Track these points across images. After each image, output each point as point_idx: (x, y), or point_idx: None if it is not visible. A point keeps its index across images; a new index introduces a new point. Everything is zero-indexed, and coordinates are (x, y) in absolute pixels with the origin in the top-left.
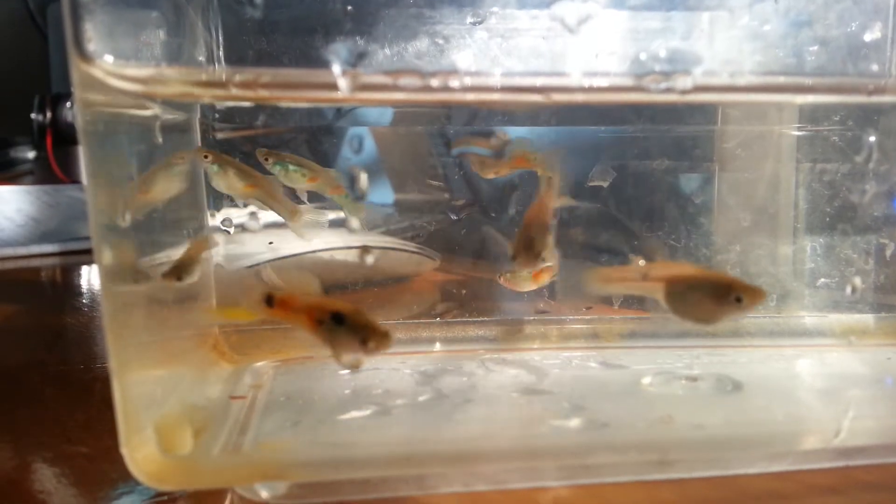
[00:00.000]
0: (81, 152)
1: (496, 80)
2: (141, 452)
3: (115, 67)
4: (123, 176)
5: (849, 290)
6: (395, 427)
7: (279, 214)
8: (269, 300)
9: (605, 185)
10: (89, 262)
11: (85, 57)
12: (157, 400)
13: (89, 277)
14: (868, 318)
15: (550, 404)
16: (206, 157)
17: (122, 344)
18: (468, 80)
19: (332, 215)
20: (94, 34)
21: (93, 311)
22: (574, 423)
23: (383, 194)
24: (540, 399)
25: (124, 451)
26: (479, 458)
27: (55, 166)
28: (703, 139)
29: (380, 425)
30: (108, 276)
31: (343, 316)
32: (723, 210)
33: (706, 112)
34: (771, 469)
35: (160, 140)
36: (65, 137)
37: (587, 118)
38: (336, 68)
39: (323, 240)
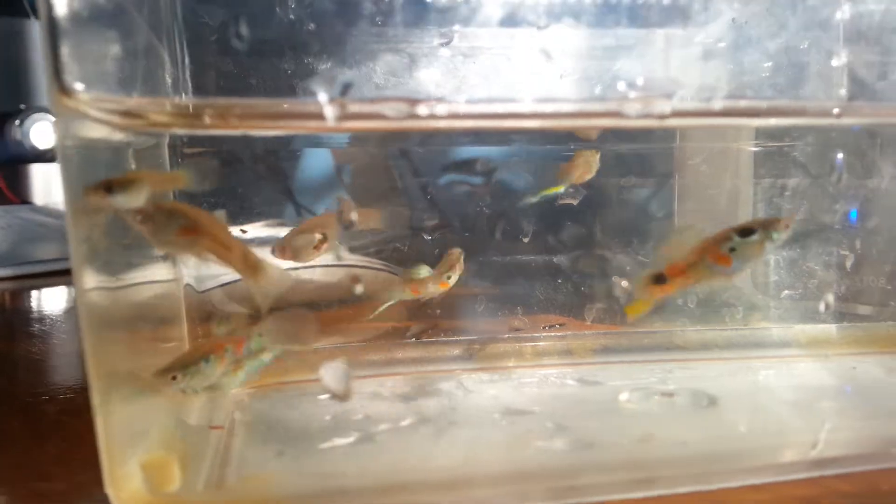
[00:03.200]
0: (62, 180)
1: (463, 106)
2: (126, 491)
3: (94, 100)
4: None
5: (812, 301)
6: (381, 454)
7: None
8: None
9: (575, 203)
10: (40, 287)
11: (65, 89)
12: (138, 434)
13: (40, 302)
14: (831, 329)
15: (533, 425)
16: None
17: (104, 378)
18: (439, 109)
19: None
20: (73, 66)
21: (51, 337)
22: (559, 443)
23: None
24: (522, 419)
25: (109, 490)
26: (469, 484)
27: (4, 187)
28: (663, 156)
29: (366, 453)
30: (89, 306)
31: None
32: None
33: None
34: (749, 482)
35: (134, 166)
36: (14, 157)
37: (551, 137)
38: (319, 97)
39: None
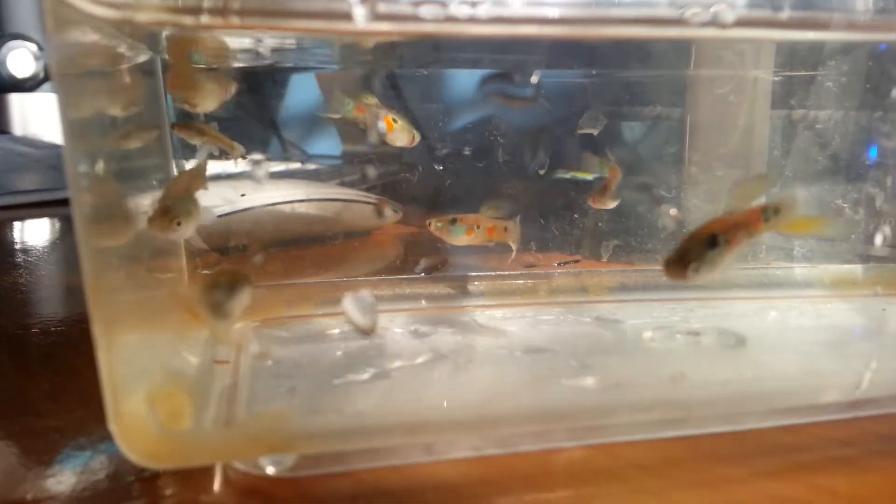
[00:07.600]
0: (56, 94)
1: (502, 9)
2: (132, 429)
3: None
4: (96, 122)
5: (838, 241)
6: (399, 392)
7: None
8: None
9: (595, 132)
10: (22, 218)
11: None
12: (142, 369)
13: (23, 234)
14: (857, 269)
15: (556, 363)
16: None
17: (106, 310)
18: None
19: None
20: None
21: (38, 269)
22: (588, 382)
23: (331, 145)
24: (544, 357)
25: (113, 427)
26: (497, 422)
27: None
28: (680, 82)
29: (382, 390)
30: (87, 231)
31: None
32: (707, 160)
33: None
34: (783, 423)
35: (128, 80)
36: None
37: (566, 62)
38: None
39: (284, 192)
